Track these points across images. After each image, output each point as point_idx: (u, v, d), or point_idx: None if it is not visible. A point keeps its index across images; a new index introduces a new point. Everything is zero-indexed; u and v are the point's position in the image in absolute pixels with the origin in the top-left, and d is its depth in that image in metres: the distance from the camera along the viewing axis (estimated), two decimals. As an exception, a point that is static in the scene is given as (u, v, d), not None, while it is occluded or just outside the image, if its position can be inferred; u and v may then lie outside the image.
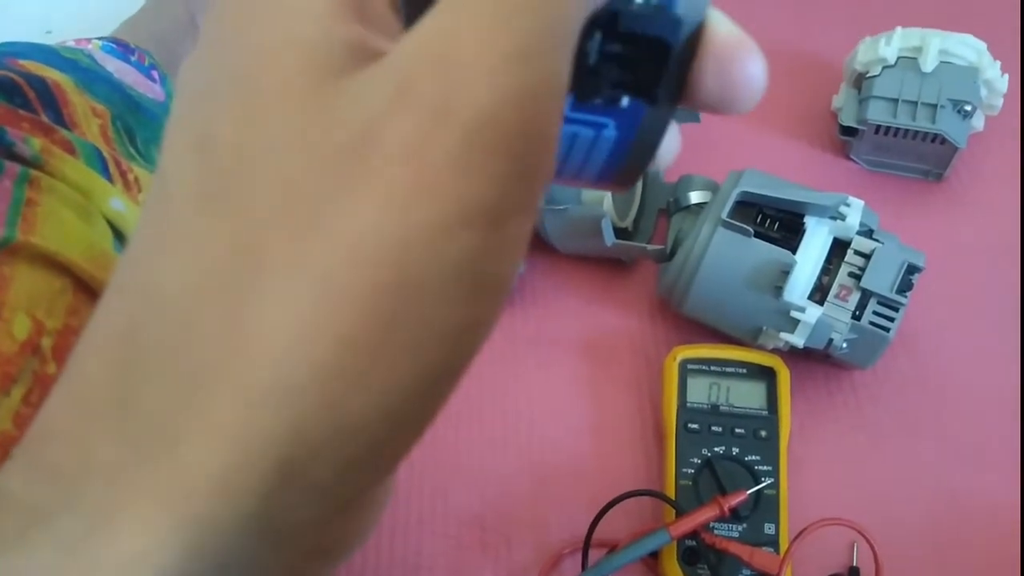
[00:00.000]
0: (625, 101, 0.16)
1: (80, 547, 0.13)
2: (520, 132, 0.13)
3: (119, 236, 0.42)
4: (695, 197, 0.55)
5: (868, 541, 0.43)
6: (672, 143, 0.18)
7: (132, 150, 0.49)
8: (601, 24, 0.15)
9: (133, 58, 0.54)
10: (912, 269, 0.47)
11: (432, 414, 0.15)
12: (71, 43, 0.52)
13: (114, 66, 0.52)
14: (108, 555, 0.13)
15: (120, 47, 0.54)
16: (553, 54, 0.13)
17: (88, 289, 0.39)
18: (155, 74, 0.55)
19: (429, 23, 0.13)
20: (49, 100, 0.44)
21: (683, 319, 0.53)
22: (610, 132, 0.17)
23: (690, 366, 0.50)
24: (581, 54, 0.16)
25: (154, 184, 0.15)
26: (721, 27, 0.16)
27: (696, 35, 0.16)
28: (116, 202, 0.42)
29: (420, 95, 0.13)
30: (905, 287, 0.47)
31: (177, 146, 0.14)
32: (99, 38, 0.54)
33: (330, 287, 0.13)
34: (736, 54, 0.16)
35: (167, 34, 0.61)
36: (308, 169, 0.13)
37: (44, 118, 0.43)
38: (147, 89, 0.53)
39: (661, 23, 0.16)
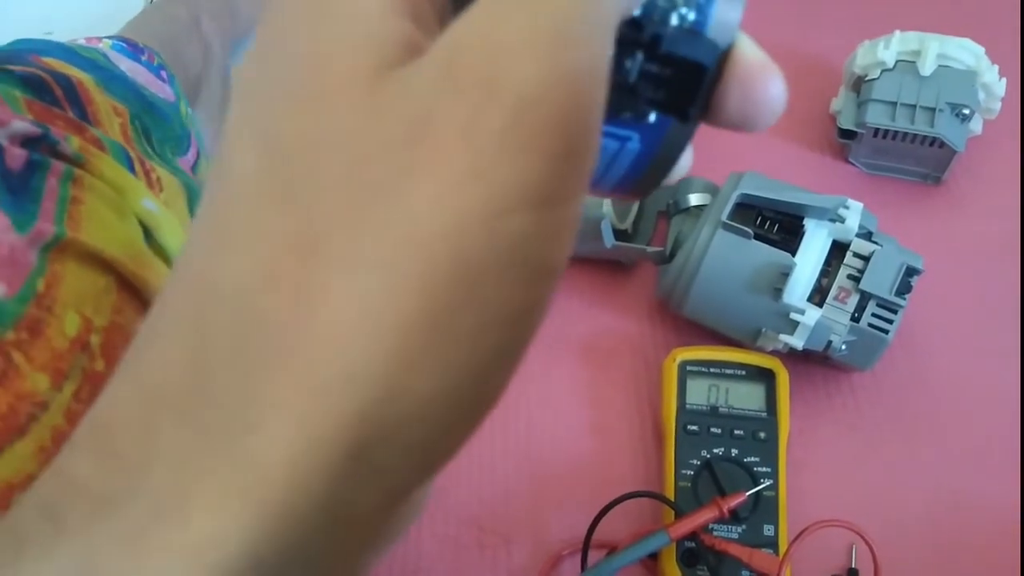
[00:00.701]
0: (652, 116, 0.17)
1: (149, 532, 0.13)
2: (566, 112, 0.13)
3: (147, 235, 0.42)
4: (695, 199, 0.55)
5: (867, 542, 0.43)
6: (687, 157, 0.19)
7: (150, 149, 0.49)
8: (643, 45, 0.16)
9: (143, 58, 0.54)
10: (911, 271, 0.47)
11: (493, 400, 0.15)
12: (82, 42, 0.52)
13: (126, 65, 0.52)
14: (177, 541, 0.13)
15: (130, 46, 0.53)
16: (596, 39, 0.14)
17: (130, 287, 0.39)
18: (164, 74, 0.55)
19: (473, 11, 0.14)
20: (74, 98, 0.44)
21: (682, 321, 0.53)
22: (634, 145, 0.18)
23: (689, 368, 0.50)
24: (620, 71, 0.17)
25: (213, 182, 0.15)
26: (747, 51, 0.17)
27: (725, 57, 0.17)
28: (148, 202, 0.42)
29: (467, 77, 0.13)
30: (904, 289, 0.47)
31: (239, 144, 0.15)
32: (108, 37, 0.54)
33: (390, 275, 0.13)
34: (760, 76, 0.17)
35: (170, 35, 0.61)
36: (365, 161, 0.13)
37: (71, 115, 0.43)
38: (158, 89, 0.53)
39: (699, 47, 0.17)
